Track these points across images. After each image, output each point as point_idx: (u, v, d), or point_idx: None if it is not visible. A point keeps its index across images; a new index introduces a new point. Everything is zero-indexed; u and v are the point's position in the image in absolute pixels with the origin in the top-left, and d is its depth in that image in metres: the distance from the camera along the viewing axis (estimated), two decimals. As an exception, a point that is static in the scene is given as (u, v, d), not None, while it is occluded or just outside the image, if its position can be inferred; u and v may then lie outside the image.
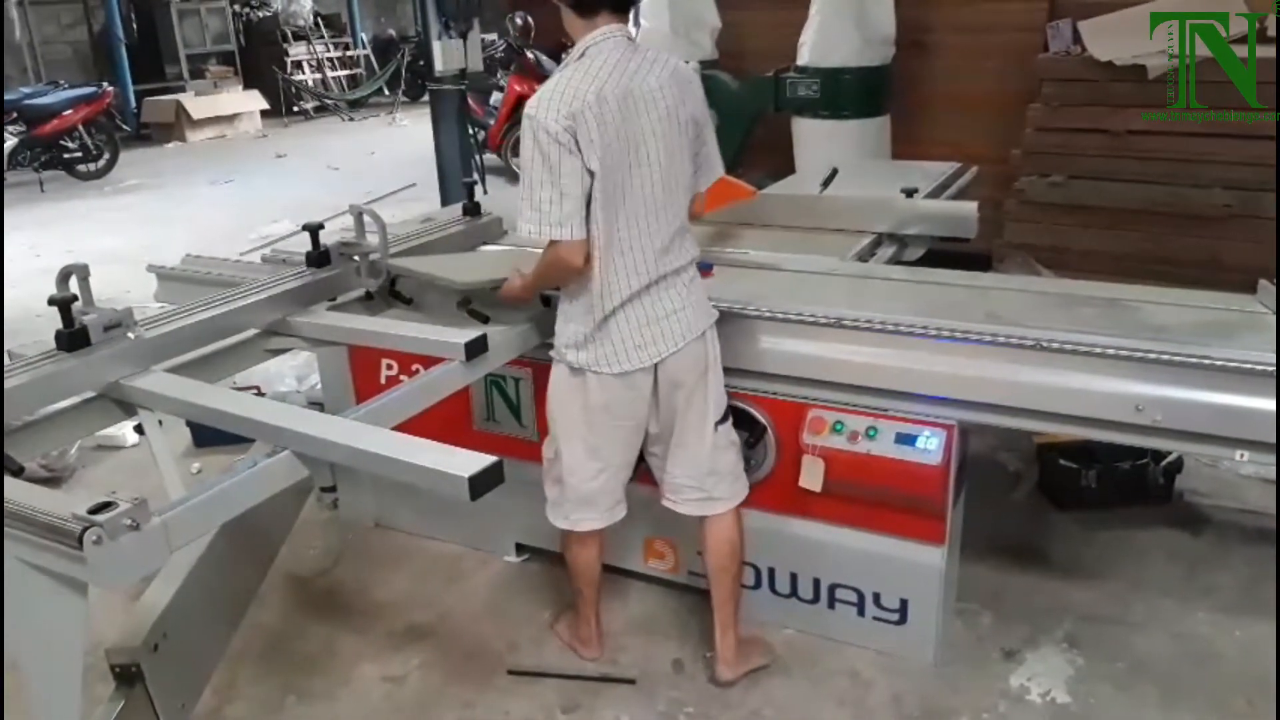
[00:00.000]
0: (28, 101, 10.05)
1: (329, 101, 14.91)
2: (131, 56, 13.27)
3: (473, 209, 3.17)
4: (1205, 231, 4.55)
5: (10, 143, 9.58)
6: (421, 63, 11.30)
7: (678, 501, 2.44)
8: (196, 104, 12.84)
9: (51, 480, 3.70)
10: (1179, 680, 2.49)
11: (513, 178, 9.20)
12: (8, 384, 1.94)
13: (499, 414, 2.89)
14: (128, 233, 7.84)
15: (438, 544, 3.19)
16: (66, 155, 10.07)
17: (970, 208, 3.42)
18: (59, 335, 2.06)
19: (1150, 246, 4.66)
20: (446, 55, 5.60)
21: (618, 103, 2.06)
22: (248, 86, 14.00)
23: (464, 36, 5.61)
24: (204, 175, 10.38)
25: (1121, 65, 4.55)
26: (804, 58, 5.46)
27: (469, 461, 1.70)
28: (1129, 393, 2.11)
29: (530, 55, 9.70)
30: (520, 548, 3.09)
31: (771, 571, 2.68)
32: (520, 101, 9.27)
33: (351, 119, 14.52)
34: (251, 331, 2.46)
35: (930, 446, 2.32)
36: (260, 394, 3.87)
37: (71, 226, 8.25)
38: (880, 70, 5.40)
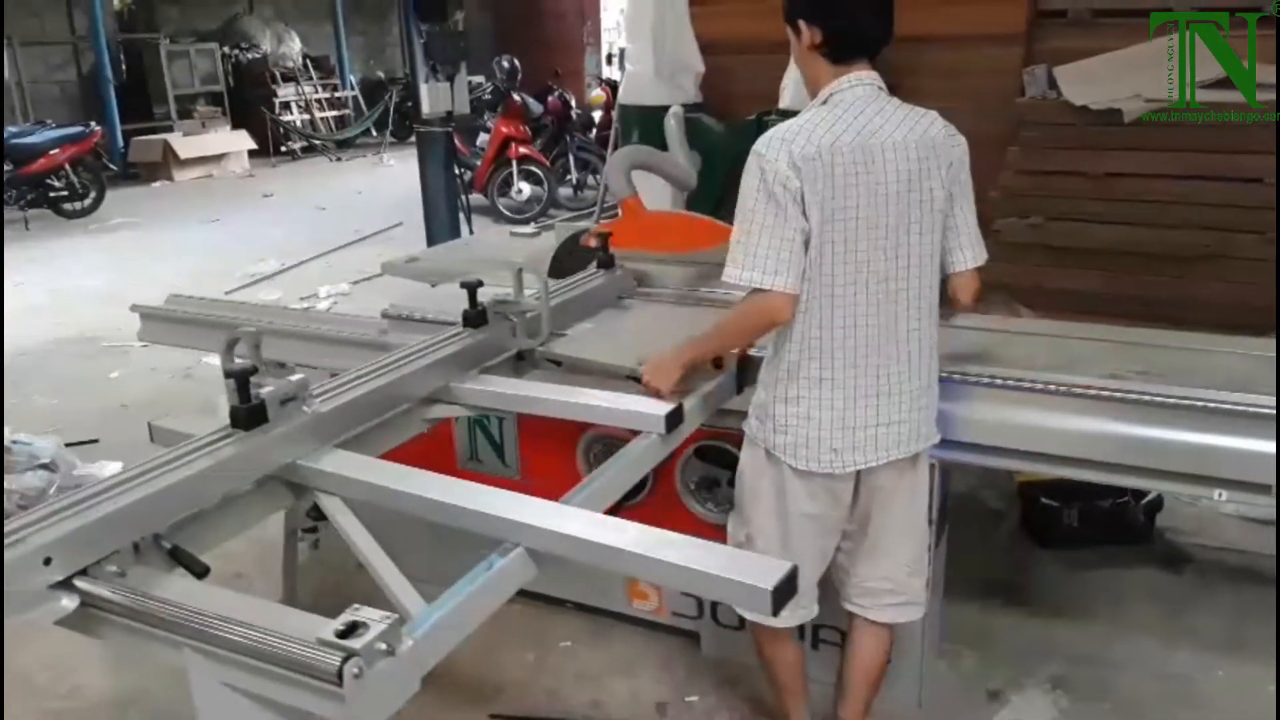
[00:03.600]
0: (14, 141, 10.04)
1: (317, 142, 15.01)
2: (120, 97, 13.32)
3: (607, 262, 2.89)
4: (1184, 271, 4.62)
5: (-4, 181, 9.59)
6: (409, 104, 11.47)
7: (869, 607, 2.17)
8: (184, 144, 12.86)
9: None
10: (1163, 720, 2.49)
11: (499, 218, 9.26)
12: (186, 471, 1.67)
13: (482, 453, 2.89)
14: (112, 271, 7.84)
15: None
16: (52, 194, 10.07)
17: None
18: (235, 412, 1.76)
19: (1129, 287, 4.71)
20: (434, 98, 5.68)
21: (852, 155, 1.82)
22: (236, 127, 14.06)
23: (451, 80, 5.69)
24: (191, 214, 10.38)
25: (1098, 109, 4.64)
26: (785, 101, 5.53)
27: (768, 571, 1.45)
28: (1112, 432, 2.13)
29: (517, 98, 9.83)
30: (503, 589, 3.07)
31: (755, 612, 2.66)
32: (506, 142, 9.37)
33: (339, 159, 14.61)
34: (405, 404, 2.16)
35: (912, 486, 2.32)
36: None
37: (56, 265, 8.24)
38: (861, 113, 5.48)
